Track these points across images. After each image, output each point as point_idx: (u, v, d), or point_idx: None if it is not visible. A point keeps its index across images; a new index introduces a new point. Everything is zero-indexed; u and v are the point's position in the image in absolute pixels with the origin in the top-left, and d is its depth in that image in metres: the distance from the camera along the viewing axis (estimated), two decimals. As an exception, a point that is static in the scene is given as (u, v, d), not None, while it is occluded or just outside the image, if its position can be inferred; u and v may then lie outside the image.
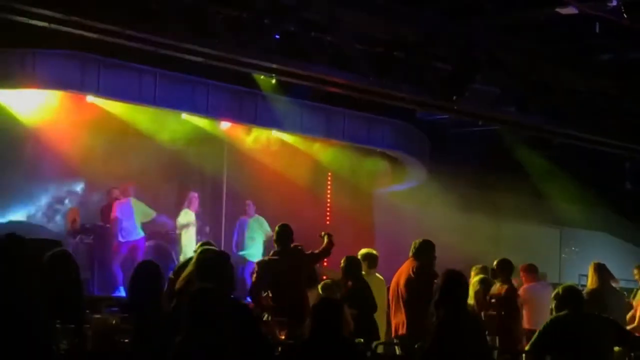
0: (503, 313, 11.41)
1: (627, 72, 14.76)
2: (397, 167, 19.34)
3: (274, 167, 17.78)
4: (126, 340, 7.04)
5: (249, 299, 11.13)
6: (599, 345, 8.06)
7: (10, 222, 15.48)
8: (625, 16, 11.53)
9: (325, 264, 17.03)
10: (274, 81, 14.24)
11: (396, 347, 10.51)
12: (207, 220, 17.57)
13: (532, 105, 14.68)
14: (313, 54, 12.51)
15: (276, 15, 11.85)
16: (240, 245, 17.27)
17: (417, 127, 18.78)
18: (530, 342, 8.30)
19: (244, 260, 16.72)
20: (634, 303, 11.72)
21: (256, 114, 16.55)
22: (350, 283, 10.82)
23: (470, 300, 11.19)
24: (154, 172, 17.01)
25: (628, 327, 10.25)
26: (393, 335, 10.86)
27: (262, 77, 14.35)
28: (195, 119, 16.63)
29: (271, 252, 10.84)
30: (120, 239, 15.71)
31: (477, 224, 19.90)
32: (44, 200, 16.36)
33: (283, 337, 8.55)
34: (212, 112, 16.18)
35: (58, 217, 16.43)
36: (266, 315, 10.30)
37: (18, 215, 16.05)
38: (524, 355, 9.18)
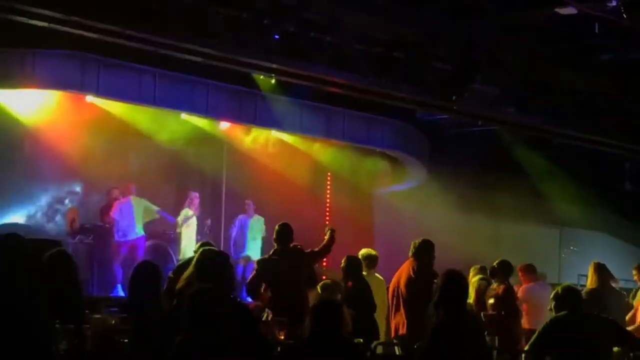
0: (502, 313, 11.42)
1: (627, 72, 14.76)
2: (396, 167, 19.34)
3: (273, 167, 17.78)
4: (125, 341, 7.04)
5: (244, 294, 11.10)
6: (599, 346, 8.05)
7: (10, 222, 15.47)
8: (625, 16, 11.54)
9: (324, 265, 17.06)
10: (273, 81, 14.24)
11: (396, 348, 10.51)
12: (207, 218, 17.54)
13: (532, 105, 14.68)
14: (313, 54, 12.51)
15: (276, 15, 11.85)
16: (241, 245, 17.26)
17: (416, 127, 18.79)
18: (530, 342, 8.30)
19: (246, 261, 16.72)
20: (635, 303, 11.71)
21: (256, 114, 16.55)
22: (350, 283, 10.82)
23: (470, 301, 11.21)
24: (154, 172, 17.02)
25: (628, 328, 10.23)
26: (393, 335, 10.85)
27: (261, 77, 14.35)
28: (195, 119, 16.64)
29: (271, 252, 10.82)
30: (119, 238, 15.72)
31: (476, 224, 19.90)
32: (43, 201, 16.36)
33: (282, 337, 8.54)
34: (212, 112, 16.19)
35: (58, 217, 16.43)
36: (265, 315, 10.30)
37: (18, 215, 16.05)
38: (523, 355, 9.18)
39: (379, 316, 11.08)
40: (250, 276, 10.97)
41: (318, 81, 13.32)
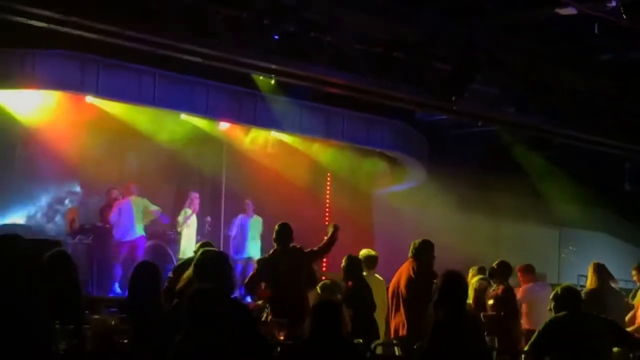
0: (502, 314, 11.42)
1: (626, 72, 14.76)
2: (396, 167, 19.35)
3: (273, 167, 17.79)
4: (125, 341, 7.04)
5: (242, 291, 11.09)
6: (598, 346, 8.05)
7: (10, 223, 15.46)
8: (625, 17, 11.54)
9: (324, 267, 17.06)
10: (273, 82, 14.23)
11: (396, 348, 10.51)
12: (207, 215, 17.53)
13: (531, 105, 14.67)
14: (312, 54, 12.50)
15: (276, 15, 11.84)
16: (241, 245, 17.25)
17: (416, 128, 18.80)
18: (530, 343, 8.30)
19: (247, 261, 16.72)
20: (635, 303, 11.70)
21: (255, 114, 16.55)
22: (350, 283, 10.81)
23: (469, 301, 11.21)
24: (153, 173, 17.03)
25: (628, 329, 10.23)
26: (392, 335, 10.84)
27: (261, 77, 14.35)
28: (195, 120, 16.64)
29: (271, 252, 10.81)
30: (119, 238, 15.73)
31: (476, 224, 19.90)
32: (43, 201, 16.35)
33: (282, 338, 8.54)
34: (211, 112, 16.19)
35: (58, 218, 16.42)
36: (265, 316, 10.30)
37: (18, 215, 16.04)
38: (523, 355, 9.17)
39: (379, 316, 11.08)
40: (250, 274, 10.97)
41: (318, 81, 13.32)
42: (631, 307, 11.70)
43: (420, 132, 18.98)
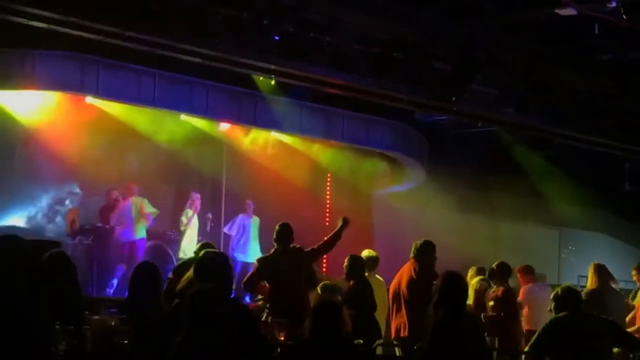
0: (502, 314, 11.42)
1: (626, 73, 14.75)
2: (396, 168, 19.35)
3: (273, 168, 17.78)
4: (125, 342, 7.04)
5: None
6: (598, 346, 8.05)
7: (9, 225, 15.45)
8: (625, 17, 11.53)
9: (324, 269, 17.06)
10: (273, 82, 14.23)
11: (396, 349, 10.51)
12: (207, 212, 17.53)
13: (531, 105, 14.67)
14: (312, 54, 12.50)
15: (276, 15, 11.83)
16: (245, 246, 17.25)
17: (416, 128, 18.80)
18: (530, 343, 8.30)
19: (248, 265, 16.72)
20: (635, 303, 11.70)
21: (255, 115, 16.55)
22: (352, 282, 10.80)
23: (469, 302, 11.20)
24: (153, 173, 17.03)
25: (629, 330, 10.23)
26: (393, 336, 10.84)
27: (261, 78, 14.34)
28: (194, 120, 16.64)
29: (271, 252, 10.80)
30: (119, 239, 15.73)
31: (476, 224, 19.90)
32: (44, 201, 16.35)
33: (282, 338, 8.53)
34: (211, 113, 16.19)
35: (58, 218, 16.42)
36: (264, 316, 10.29)
37: (18, 216, 16.04)
38: (523, 356, 9.17)
39: (379, 317, 11.07)
40: (250, 273, 10.96)
41: (317, 82, 13.31)
42: (631, 308, 11.70)
43: (420, 133, 18.98)
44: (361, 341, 8.60)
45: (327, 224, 18.53)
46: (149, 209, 16.09)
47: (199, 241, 15.66)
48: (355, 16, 12.40)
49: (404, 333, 10.61)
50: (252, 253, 16.90)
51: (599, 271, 11.32)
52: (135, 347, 6.88)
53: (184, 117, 16.38)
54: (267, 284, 10.63)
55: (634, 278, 12.45)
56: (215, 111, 16.17)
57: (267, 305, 10.52)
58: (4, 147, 15.72)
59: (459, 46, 13.13)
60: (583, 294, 9.59)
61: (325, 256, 16.47)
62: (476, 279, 12.15)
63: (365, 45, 12.98)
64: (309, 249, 10.80)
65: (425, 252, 10.70)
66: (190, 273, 7.45)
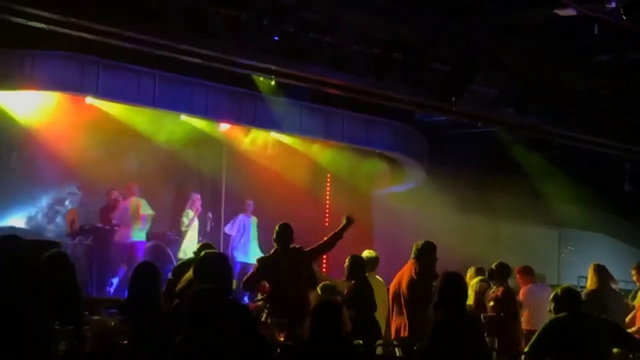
0: (502, 315, 11.41)
1: (626, 73, 14.75)
2: (395, 168, 19.34)
3: (273, 168, 17.78)
4: (125, 342, 7.04)
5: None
6: (598, 347, 8.04)
7: (8, 226, 15.45)
8: (624, 17, 11.54)
9: (324, 269, 17.05)
10: (273, 82, 14.22)
11: (396, 349, 10.50)
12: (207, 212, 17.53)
13: (531, 105, 14.67)
14: (312, 54, 12.50)
15: (276, 15, 11.83)
16: (246, 246, 17.25)
17: (415, 129, 18.79)
18: (529, 344, 8.30)
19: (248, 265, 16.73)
20: (635, 304, 11.70)
21: (255, 115, 16.55)
22: (353, 282, 10.80)
23: (470, 302, 11.20)
24: (153, 173, 17.02)
25: (629, 331, 10.23)
26: (393, 337, 10.84)
27: (261, 78, 14.34)
28: (194, 120, 16.64)
29: (271, 252, 10.80)
30: (118, 239, 15.73)
31: (475, 225, 19.90)
32: (44, 202, 16.35)
33: (282, 339, 8.53)
34: (211, 113, 16.19)
35: (58, 219, 16.43)
36: (264, 316, 10.29)
37: (18, 216, 16.04)
38: (522, 356, 9.17)
39: (379, 317, 11.07)
40: (250, 272, 10.96)
41: (317, 82, 13.31)
42: (631, 309, 11.70)
43: (420, 133, 18.97)
44: (361, 341, 8.62)
45: (326, 224, 18.53)
46: (146, 210, 16.07)
47: (199, 242, 15.67)
48: (355, 16, 12.40)
49: (404, 333, 10.61)
50: (252, 253, 16.89)
51: (598, 271, 11.32)
52: (135, 347, 6.88)
53: (183, 117, 16.38)
54: (266, 284, 10.64)
55: (634, 278, 12.45)
56: (215, 111, 16.17)
57: (267, 306, 10.52)
58: (4, 148, 15.71)
59: (459, 46, 13.13)
60: (583, 295, 9.59)
61: (325, 256, 16.49)
62: (476, 279, 12.15)
63: (365, 46, 12.98)
64: (309, 248, 10.79)
65: (427, 253, 10.70)
66: (190, 273, 7.46)
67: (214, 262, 7.04)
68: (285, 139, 17.87)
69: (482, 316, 11.14)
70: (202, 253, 7.85)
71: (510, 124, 15.72)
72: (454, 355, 7.20)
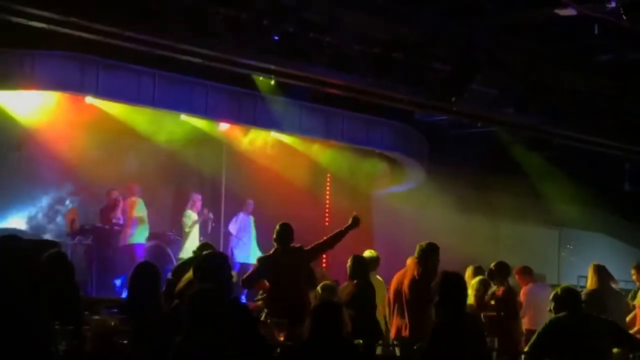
0: (502, 314, 11.41)
1: (626, 73, 14.76)
2: (395, 168, 19.35)
3: (273, 168, 17.78)
4: (125, 342, 7.04)
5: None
6: (598, 347, 8.04)
7: (8, 227, 15.44)
8: (624, 17, 11.54)
9: (324, 266, 17.04)
10: (273, 82, 14.22)
11: (396, 349, 10.50)
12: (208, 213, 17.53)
13: (531, 105, 14.67)
14: (312, 54, 12.49)
15: (276, 15, 11.83)
16: (247, 246, 17.24)
17: (415, 129, 18.80)
18: (529, 344, 8.29)
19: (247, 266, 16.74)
20: (635, 304, 11.69)
21: (255, 115, 16.55)
22: (355, 282, 10.80)
23: (470, 302, 11.19)
24: (153, 173, 17.02)
25: (631, 331, 10.22)
26: (394, 336, 10.84)
27: (261, 78, 14.34)
28: (194, 120, 16.64)
29: (271, 251, 10.80)
30: (119, 239, 15.74)
31: (475, 224, 19.90)
32: (44, 201, 16.34)
33: (282, 339, 8.53)
34: (211, 113, 16.19)
35: (58, 218, 16.42)
36: (263, 316, 10.28)
37: (18, 216, 16.04)
38: (523, 356, 9.17)
39: (379, 317, 11.07)
40: (250, 271, 10.96)
41: (317, 82, 13.31)
42: (632, 308, 11.70)
43: (420, 133, 18.97)
44: (361, 341, 8.62)
45: (326, 224, 18.53)
46: (138, 212, 16.03)
47: (201, 241, 15.67)
48: (355, 16, 12.40)
49: (405, 333, 10.60)
50: (252, 253, 16.90)
51: (598, 271, 11.32)
52: (135, 347, 6.88)
53: (183, 117, 16.38)
54: (266, 283, 10.63)
55: (634, 278, 12.45)
56: (215, 111, 16.17)
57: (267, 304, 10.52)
58: (4, 147, 15.71)
59: (459, 46, 13.13)
60: (583, 295, 9.59)
61: (324, 255, 16.48)
62: (476, 278, 12.13)
63: (365, 46, 12.98)
64: (309, 247, 10.79)
65: (430, 254, 10.67)
66: (190, 273, 7.46)
67: (214, 262, 7.04)
68: (285, 138, 17.87)
69: (482, 316, 11.14)
70: (202, 253, 7.84)
71: (510, 124, 15.72)
72: (454, 355, 7.20)
